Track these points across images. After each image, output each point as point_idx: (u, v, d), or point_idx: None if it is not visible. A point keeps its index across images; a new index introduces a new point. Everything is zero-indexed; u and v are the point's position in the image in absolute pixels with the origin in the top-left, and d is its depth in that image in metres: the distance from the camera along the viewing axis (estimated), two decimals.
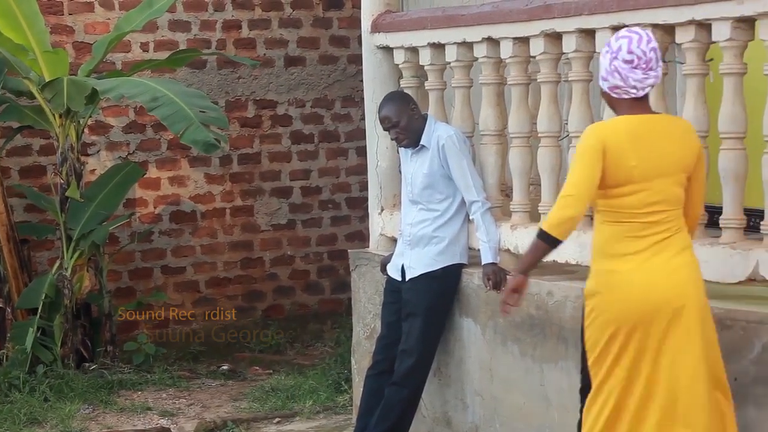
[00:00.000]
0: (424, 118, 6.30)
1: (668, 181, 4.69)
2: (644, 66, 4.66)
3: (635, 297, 4.64)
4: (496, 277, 6.03)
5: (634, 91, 4.68)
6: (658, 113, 4.90)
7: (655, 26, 5.26)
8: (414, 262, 6.31)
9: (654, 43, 4.70)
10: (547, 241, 4.77)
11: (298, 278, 10.10)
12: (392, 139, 6.34)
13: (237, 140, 9.80)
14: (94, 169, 9.26)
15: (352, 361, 7.28)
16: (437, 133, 6.22)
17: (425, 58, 6.58)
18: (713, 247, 5.07)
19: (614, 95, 4.72)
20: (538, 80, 5.99)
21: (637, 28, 4.78)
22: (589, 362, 4.79)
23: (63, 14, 9.22)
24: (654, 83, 4.73)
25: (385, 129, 6.35)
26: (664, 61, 5.37)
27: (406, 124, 6.23)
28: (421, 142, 6.26)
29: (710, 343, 4.70)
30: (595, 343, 4.75)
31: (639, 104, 4.72)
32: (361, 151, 9.18)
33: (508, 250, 6.12)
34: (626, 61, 4.65)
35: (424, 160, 6.25)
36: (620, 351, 4.68)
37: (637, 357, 4.66)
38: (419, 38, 6.57)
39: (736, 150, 5.05)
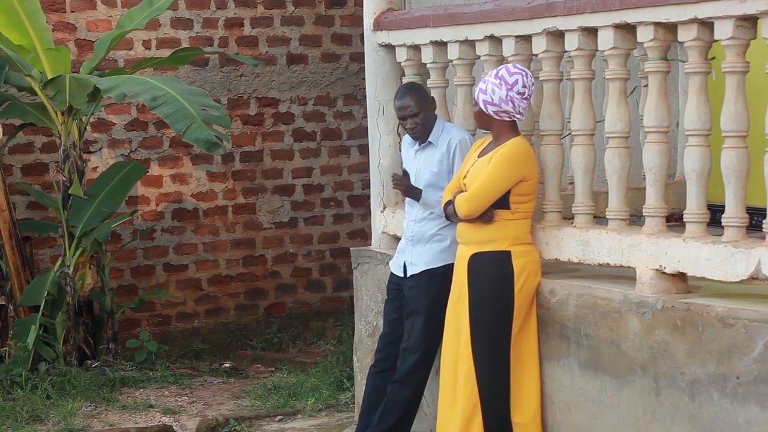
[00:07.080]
0: (435, 116, 6.31)
1: None
2: (528, 97, 5.73)
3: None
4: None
5: (519, 116, 5.74)
6: None
7: (657, 24, 5.27)
8: (416, 258, 6.30)
9: (533, 79, 5.77)
10: None
11: (300, 276, 10.10)
12: (407, 128, 6.27)
13: (239, 138, 9.80)
14: (96, 167, 9.26)
15: (354, 359, 7.28)
16: (450, 134, 6.22)
17: (427, 56, 6.57)
18: (715, 246, 5.07)
19: (498, 118, 5.74)
20: (540, 78, 5.99)
21: (521, 66, 5.77)
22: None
23: (65, 12, 9.23)
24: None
25: (402, 117, 6.27)
26: (666, 60, 5.39)
27: (425, 117, 6.22)
28: (429, 139, 6.25)
29: None
30: None
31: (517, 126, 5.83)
32: (363, 149, 9.19)
33: None
34: (519, 93, 5.68)
35: (432, 159, 6.23)
36: None
37: None
38: (421, 36, 6.57)
39: (738, 148, 5.05)
